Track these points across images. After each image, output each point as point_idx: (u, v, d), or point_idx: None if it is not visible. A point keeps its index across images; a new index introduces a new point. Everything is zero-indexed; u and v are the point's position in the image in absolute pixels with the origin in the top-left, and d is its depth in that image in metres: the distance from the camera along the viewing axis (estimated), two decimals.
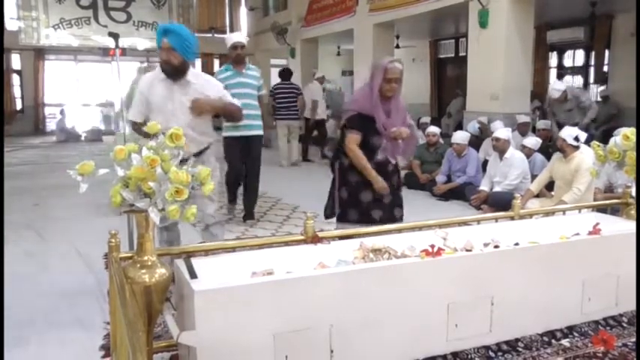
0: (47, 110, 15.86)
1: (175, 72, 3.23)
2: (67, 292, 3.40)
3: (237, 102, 3.90)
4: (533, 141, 6.24)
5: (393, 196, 3.46)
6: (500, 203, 5.02)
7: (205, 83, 3.38)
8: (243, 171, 5.20)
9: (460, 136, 6.49)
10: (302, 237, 2.71)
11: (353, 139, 3.33)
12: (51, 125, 15.44)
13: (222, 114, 3.63)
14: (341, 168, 3.47)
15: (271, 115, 8.92)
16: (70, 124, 14.55)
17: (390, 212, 3.43)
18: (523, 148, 6.08)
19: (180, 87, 3.26)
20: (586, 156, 4.76)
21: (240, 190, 5.41)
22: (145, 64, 13.97)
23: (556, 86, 6.31)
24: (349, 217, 3.40)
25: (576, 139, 4.83)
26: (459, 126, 9.19)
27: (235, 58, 5.05)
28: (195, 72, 3.39)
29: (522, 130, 7.27)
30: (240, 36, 5.27)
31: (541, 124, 7.68)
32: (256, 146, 5.17)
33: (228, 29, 18.20)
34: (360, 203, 3.40)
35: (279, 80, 9.28)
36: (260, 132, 5.17)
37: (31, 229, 4.96)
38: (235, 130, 4.96)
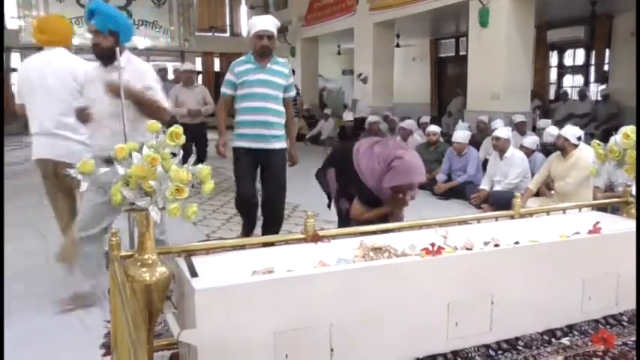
0: None
1: (103, 56, 2.98)
2: (67, 290, 3.40)
3: (246, 104, 3.83)
4: (532, 140, 6.24)
5: None
6: (501, 202, 5.02)
7: (135, 70, 3.03)
8: (256, 193, 4.10)
9: (461, 135, 6.50)
10: (302, 236, 2.71)
11: (359, 210, 3.28)
12: None
13: (137, 106, 2.96)
14: (340, 175, 3.45)
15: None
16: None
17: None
18: (521, 148, 6.09)
19: (108, 72, 2.97)
20: (584, 153, 4.76)
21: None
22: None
23: (550, 131, 6.29)
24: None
25: (579, 138, 4.84)
26: None
27: (260, 50, 3.85)
28: (129, 57, 3.07)
29: (521, 129, 7.28)
30: (268, 22, 3.89)
31: (542, 123, 7.68)
32: (278, 162, 4.01)
33: (228, 28, 18.23)
34: None
35: None
36: (282, 144, 4.03)
37: (32, 228, 4.96)
38: (246, 140, 3.91)
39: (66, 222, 3.30)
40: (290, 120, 4.14)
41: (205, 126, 7.37)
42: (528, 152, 6.01)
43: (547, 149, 6.36)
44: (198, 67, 16.38)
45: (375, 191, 3.21)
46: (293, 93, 4.14)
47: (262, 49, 3.82)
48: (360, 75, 11.01)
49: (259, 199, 4.11)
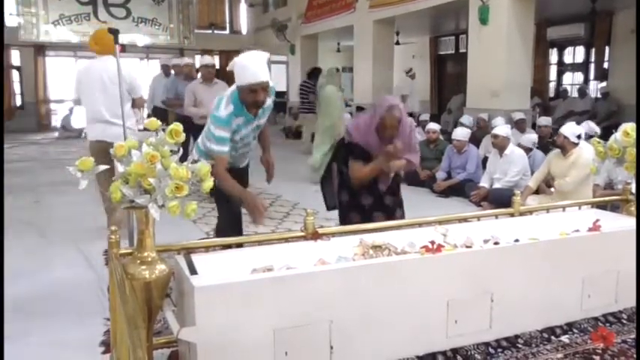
0: (52, 106, 15.81)
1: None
2: (67, 288, 3.41)
3: (232, 151, 3.14)
4: (529, 138, 6.20)
5: (393, 197, 3.47)
6: (500, 200, 5.02)
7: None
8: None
9: (460, 133, 6.49)
10: (302, 233, 2.71)
11: (356, 167, 3.33)
12: (55, 121, 15.38)
13: None
14: (340, 171, 3.48)
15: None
16: (73, 121, 14.50)
17: (391, 214, 3.44)
18: (519, 146, 6.08)
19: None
20: (584, 151, 4.75)
21: None
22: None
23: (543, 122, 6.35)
24: (351, 220, 3.39)
25: (578, 136, 4.83)
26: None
27: (254, 104, 3.05)
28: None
29: (520, 127, 7.27)
30: (262, 68, 2.98)
31: (542, 120, 7.67)
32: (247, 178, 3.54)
33: (228, 25, 18.20)
34: (362, 206, 3.40)
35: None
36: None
37: (32, 226, 4.96)
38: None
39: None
40: (266, 138, 3.55)
41: None
42: (526, 150, 6.00)
43: (546, 146, 6.36)
44: (197, 64, 16.35)
45: (365, 146, 3.30)
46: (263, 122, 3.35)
47: (257, 104, 3.06)
48: (410, 71, 10.97)
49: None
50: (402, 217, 3.51)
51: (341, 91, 7.98)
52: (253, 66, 2.96)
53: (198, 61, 5.95)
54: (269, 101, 3.21)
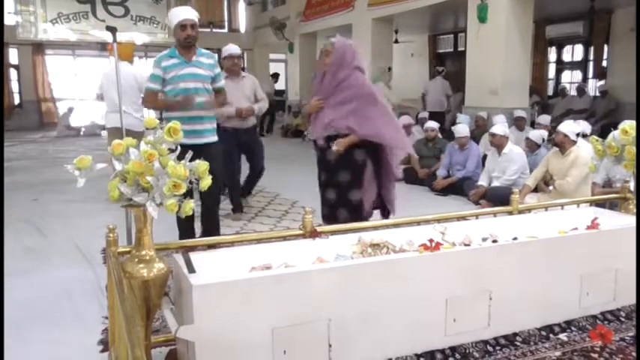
0: (51, 105, 15.77)
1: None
2: (66, 286, 3.41)
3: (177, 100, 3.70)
4: (537, 134, 6.14)
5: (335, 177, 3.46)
6: (499, 198, 5.02)
7: None
8: None
9: (462, 129, 6.48)
10: (300, 232, 2.71)
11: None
12: (54, 120, 15.34)
13: None
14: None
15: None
16: (72, 120, 14.48)
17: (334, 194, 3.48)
18: (527, 141, 6.07)
19: None
20: (582, 150, 4.75)
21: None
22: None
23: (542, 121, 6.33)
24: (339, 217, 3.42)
25: (577, 134, 4.82)
26: None
27: (185, 41, 3.71)
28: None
29: (519, 125, 7.27)
30: (189, 10, 3.79)
31: (541, 119, 7.67)
32: (214, 155, 3.53)
33: (226, 24, 18.17)
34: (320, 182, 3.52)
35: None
36: (215, 138, 3.88)
37: (30, 224, 4.96)
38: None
39: None
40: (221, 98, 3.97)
41: (257, 130, 5.71)
42: (533, 146, 5.98)
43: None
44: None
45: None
46: (222, 83, 3.94)
47: (188, 40, 3.67)
48: (440, 70, 10.96)
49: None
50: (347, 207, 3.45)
51: (389, 88, 8.09)
52: (182, 10, 3.82)
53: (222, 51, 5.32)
54: (210, 60, 3.82)
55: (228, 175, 4.87)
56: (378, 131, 3.40)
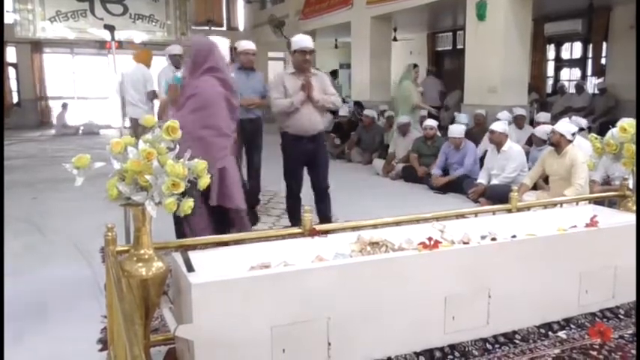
0: (50, 103, 15.73)
1: None
2: (65, 285, 3.40)
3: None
4: (544, 129, 5.96)
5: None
6: (498, 196, 5.02)
7: None
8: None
9: (456, 130, 6.49)
10: (300, 230, 2.71)
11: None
12: (52, 118, 15.31)
13: None
14: None
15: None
16: (68, 118, 14.43)
17: None
18: (533, 137, 6.05)
19: None
20: (578, 149, 4.74)
21: None
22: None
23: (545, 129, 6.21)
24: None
25: (573, 134, 4.81)
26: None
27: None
28: None
29: (519, 123, 7.26)
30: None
31: (540, 117, 7.66)
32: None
33: (225, 22, 18.14)
34: None
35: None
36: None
37: (29, 223, 4.95)
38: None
39: None
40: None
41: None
42: (539, 142, 5.93)
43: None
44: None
45: None
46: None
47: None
48: (430, 69, 11.01)
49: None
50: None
51: (416, 84, 8.28)
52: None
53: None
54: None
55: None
56: None
